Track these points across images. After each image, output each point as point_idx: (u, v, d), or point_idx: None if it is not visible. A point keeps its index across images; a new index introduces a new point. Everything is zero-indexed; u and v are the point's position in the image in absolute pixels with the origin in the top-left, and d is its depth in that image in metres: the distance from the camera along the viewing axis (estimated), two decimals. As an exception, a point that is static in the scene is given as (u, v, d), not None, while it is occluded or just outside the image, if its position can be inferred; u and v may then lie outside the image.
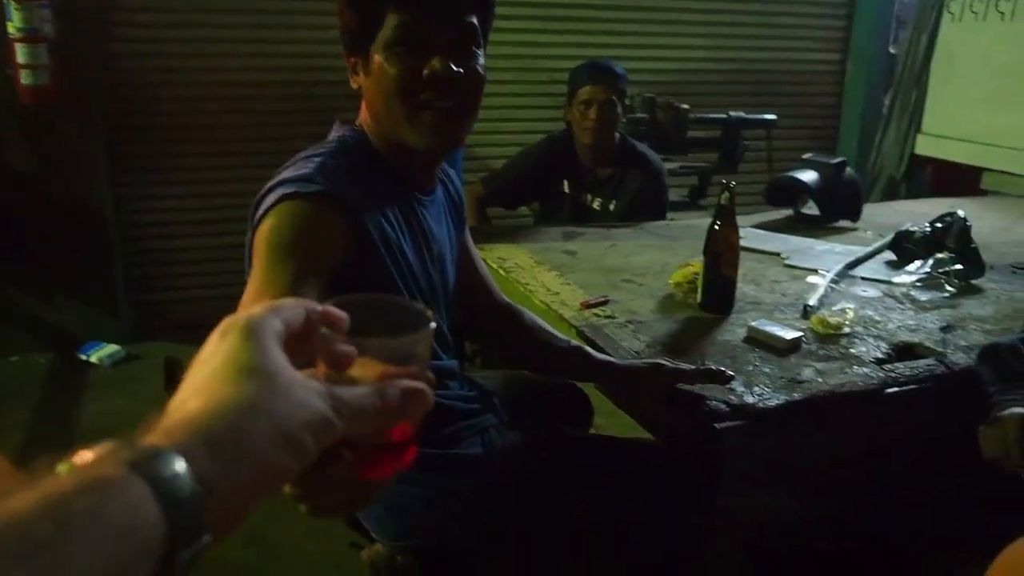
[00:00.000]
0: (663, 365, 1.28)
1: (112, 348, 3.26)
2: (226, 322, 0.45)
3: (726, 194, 1.60)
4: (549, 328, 1.44)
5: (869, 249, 2.09)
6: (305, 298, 0.52)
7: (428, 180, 1.22)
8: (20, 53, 2.93)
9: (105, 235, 3.36)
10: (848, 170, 2.49)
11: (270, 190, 1.05)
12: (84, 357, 3.21)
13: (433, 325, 0.52)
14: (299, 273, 0.95)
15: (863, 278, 1.92)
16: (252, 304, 0.89)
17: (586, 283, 1.86)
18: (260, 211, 1.03)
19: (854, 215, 2.49)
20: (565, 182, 2.53)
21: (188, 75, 3.41)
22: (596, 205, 2.51)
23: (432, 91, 1.08)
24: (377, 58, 1.08)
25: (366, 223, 1.05)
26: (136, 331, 3.46)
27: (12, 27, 2.90)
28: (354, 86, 1.16)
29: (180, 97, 3.42)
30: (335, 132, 1.19)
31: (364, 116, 1.17)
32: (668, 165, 3.25)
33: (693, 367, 1.30)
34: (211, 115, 3.47)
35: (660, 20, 4.07)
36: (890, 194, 3.74)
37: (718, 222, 1.61)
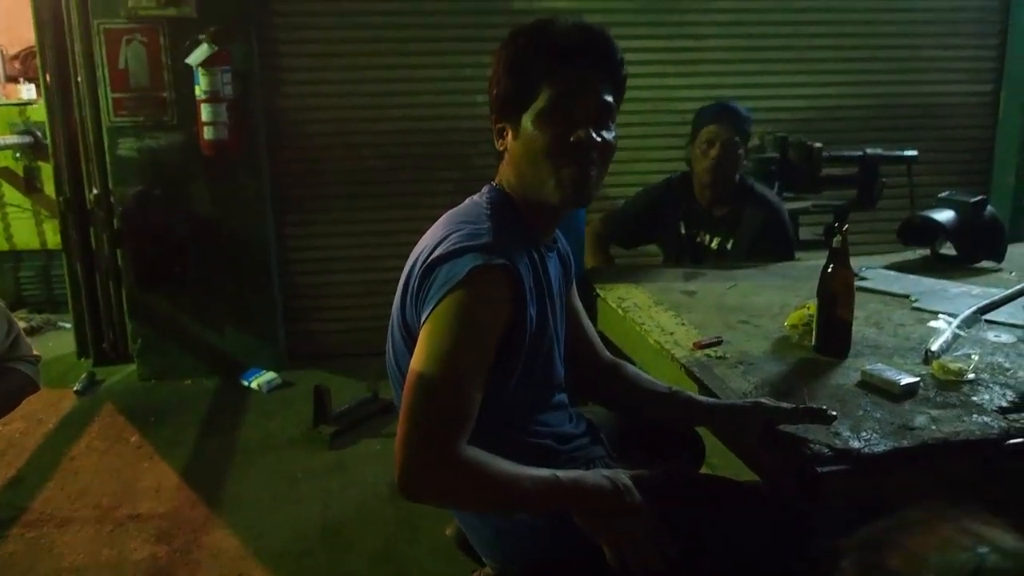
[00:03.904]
0: (763, 404, 1.32)
1: (270, 375, 3.58)
2: None
3: (838, 237, 1.61)
4: (649, 377, 1.52)
5: (1007, 292, 2.00)
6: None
7: (551, 233, 1.37)
8: (204, 112, 3.35)
9: (268, 270, 3.73)
10: (989, 208, 2.39)
11: (452, 253, 1.16)
12: (246, 383, 3.56)
13: None
14: (484, 341, 1.14)
15: (997, 322, 1.85)
16: (448, 362, 1.08)
17: (702, 323, 1.90)
18: (447, 281, 1.14)
19: (997, 255, 2.38)
20: (682, 223, 2.58)
21: (341, 126, 3.77)
22: (714, 244, 2.54)
23: (576, 155, 1.23)
24: (529, 125, 1.24)
25: (524, 287, 1.20)
26: (292, 359, 3.80)
27: (199, 90, 3.33)
28: (499, 147, 1.31)
29: (333, 145, 3.78)
30: (486, 193, 1.32)
31: (506, 175, 1.31)
32: (800, 204, 3.22)
33: (793, 406, 1.32)
34: (360, 161, 3.81)
35: (792, 59, 4.04)
36: (1051, 232, 3.50)
37: (831, 264, 1.62)
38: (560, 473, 1.16)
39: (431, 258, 1.18)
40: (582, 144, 1.22)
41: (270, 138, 3.67)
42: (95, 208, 3.60)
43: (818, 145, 3.14)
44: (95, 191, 3.56)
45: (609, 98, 1.26)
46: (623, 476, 1.19)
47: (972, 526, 0.80)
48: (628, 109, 3.90)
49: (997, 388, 1.49)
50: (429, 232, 1.29)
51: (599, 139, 1.24)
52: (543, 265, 1.30)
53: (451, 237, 1.20)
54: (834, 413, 1.30)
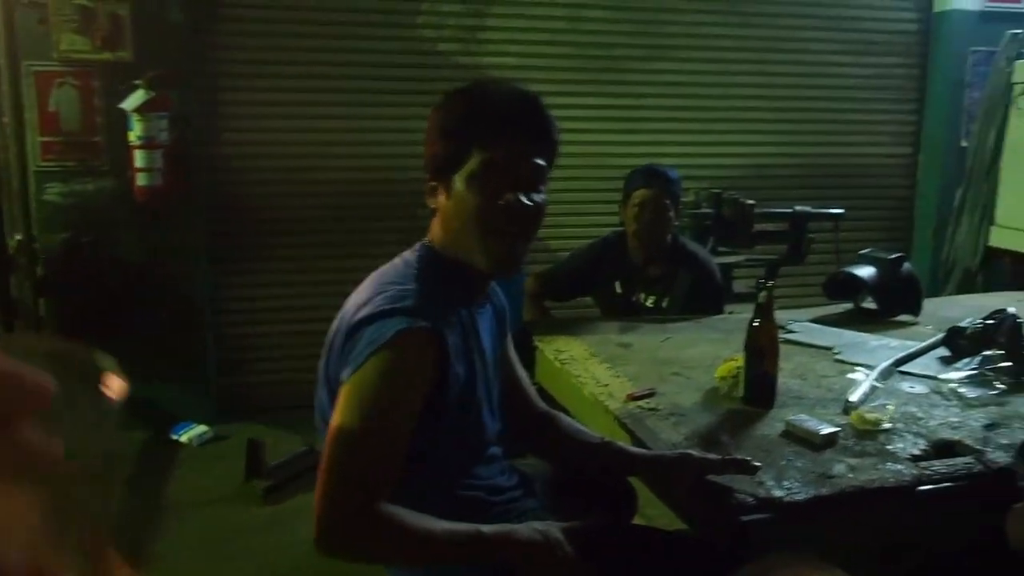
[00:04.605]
0: (691, 455, 1.35)
1: (201, 428, 3.48)
2: None
3: (763, 292, 1.67)
4: (582, 428, 1.54)
5: (921, 345, 2.10)
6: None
7: (484, 292, 1.40)
8: (138, 158, 3.28)
9: (200, 320, 3.65)
10: (906, 264, 2.51)
11: (377, 315, 1.19)
12: (176, 437, 3.45)
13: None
14: (414, 399, 1.16)
15: (912, 374, 1.93)
16: (370, 419, 1.10)
17: (636, 375, 1.94)
18: (372, 341, 1.16)
19: (914, 309, 2.49)
20: (617, 283, 2.64)
21: (283, 174, 3.76)
22: (649, 303, 2.60)
23: (505, 219, 1.25)
24: (460, 186, 1.26)
25: (450, 347, 1.22)
26: (225, 412, 3.70)
27: (133, 135, 3.27)
28: (431, 206, 1.34)
29: (275, 194, 3.76)
30: (415, 252, 1.35)
31: (437, 233, 1.34)
32: (734, 258, 3.33)
33: (719, 457, 1.36)
34: (302, 211, 3.79)
35: (728, 119, 4.21)
36: (966, 287, 3.68)
37: (757, 319, 1.68)
38: (486, 528, 1.17)
39: (356, 318, 1.21)
40: (511, 208, 1.25)
41: (209, 185, 3.62)
42: (17, 254, 3.48)
43: (751, 202, 3.27)
44: (18, 237, 3.44)
45: (541, 161, 1.29)
46: (555, 529, 1.21)
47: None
48: (569, 163, 4.04)
49: (910, 436, 1.55)
50: (356, 291, 1.31)
51: (529, 203, 1.26)
52: (473, 323, 1.33)
53: (376, 299, 1.22)
54: (757, 464, 1.34)
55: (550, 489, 1.57)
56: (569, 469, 1.61)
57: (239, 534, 2.70)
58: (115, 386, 0.39)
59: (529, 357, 2.15)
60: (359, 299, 1.25)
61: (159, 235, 3.50)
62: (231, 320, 3.80)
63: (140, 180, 3.31)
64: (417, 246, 1.35)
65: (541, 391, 1.81)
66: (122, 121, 3.30)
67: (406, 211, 3.78)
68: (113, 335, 3.42)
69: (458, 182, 1.26)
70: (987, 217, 3.57)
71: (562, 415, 1.59)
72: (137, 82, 3.26)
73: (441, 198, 1.30)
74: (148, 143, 3.28)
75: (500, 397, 1.44)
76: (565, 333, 2.33)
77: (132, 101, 3.25)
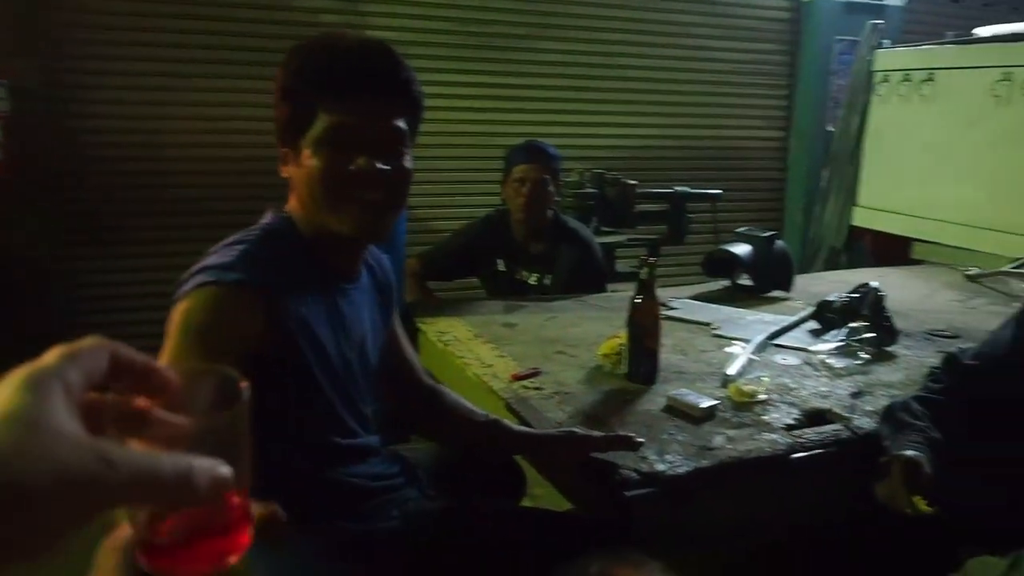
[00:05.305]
0: (575, 433, 1.34)
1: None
2: (18, 371, 0.41)
3: (645, 269, 1.68)
4: (469, 405, 1.48)
5: (793, 319, 2.18)
6: None
7: (352, 267, 1.27)
8: (-27, 130, 3.00)
9: (50, 305, 3.34)
10: (779, 242, 2.61)
11: (191, 275, 1.10)
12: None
13: (247, 396, 0.47)
14: (206, 359, 0.98)
15: (785, 346, 2.00)
16: None
17: (521, 355, 1.92)
18: (177, 293, 1.08)
19: (786, 285, 2.59)
20: (500, 261, 2.62)
21: (147, 151, 3.48)
22: (532, 280, 2.60)
23: (358, 186, 1.14)
24: (307, 152, 1.14)
25: (284, 311, 1.10)
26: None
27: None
28: (284, 175, 1.22)
29: (138, 172, 3.48)
30: (265, 219, 1.24)
31: (292, 204, 1.22)
32: (616, 238, 3.37)
33: (603, 434, 1.35)
34: (163, 190, 3.52)
35: (610, 100, 4.25)
36: (832, 264, 3.88)
37: (639, 296, 1.68)
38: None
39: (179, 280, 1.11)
40: (363, 175, 1.13)
41: (60, 162, 3.33)
42: None
43: (633, 182, 3.31)
44: None
45: (400, 123, 1.17)
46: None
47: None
48: (451, 143, 3.96)
49: (784, 407, 1.60)
50: None
51: (386, 168, 1.15)
52: (334, 299, 1.22)
53: (202, 260, 1.12)
54: (641, 439, 1.34)
55: (438, 472, 1.52)
56: (456, 447, 1.57)
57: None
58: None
59: (412, 339, 2.09)
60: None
61: (3, 214, 3.19)
62: (89, 308, 3.50)
63: (-23, 154, 3.02)
64: (269, 214, 1.24)
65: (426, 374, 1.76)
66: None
67: (282, 190, 3.60)
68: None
69: (305, 147, 1.15)
70: (850, 198, 3.77)
71: (447, 390, 1.53)
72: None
73: (292, 166, 1.19)
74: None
75: (382, 375, 1.37)
76: (448, 314, 2.29)
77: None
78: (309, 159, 1.14)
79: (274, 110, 1.19)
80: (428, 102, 1.26)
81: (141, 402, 0.44)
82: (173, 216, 3.55)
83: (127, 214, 3.50)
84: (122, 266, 3.54)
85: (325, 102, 1.13)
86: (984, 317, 2.35)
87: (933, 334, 2.12)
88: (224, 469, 0.42)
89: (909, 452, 1.29)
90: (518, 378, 1.74)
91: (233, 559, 0.46)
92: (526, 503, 1.75)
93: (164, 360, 1.00)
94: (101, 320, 3.50)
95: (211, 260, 1.11)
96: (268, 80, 1.25)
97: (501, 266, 2.63)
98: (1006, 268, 2.68)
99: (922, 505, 1.23)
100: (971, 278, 2.76)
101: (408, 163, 1.20)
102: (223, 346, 1.02)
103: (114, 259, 3.52)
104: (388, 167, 1.15)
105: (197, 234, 3.46)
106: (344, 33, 1.20)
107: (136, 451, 0.41)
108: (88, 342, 0.43)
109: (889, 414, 1.43)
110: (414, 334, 2.14)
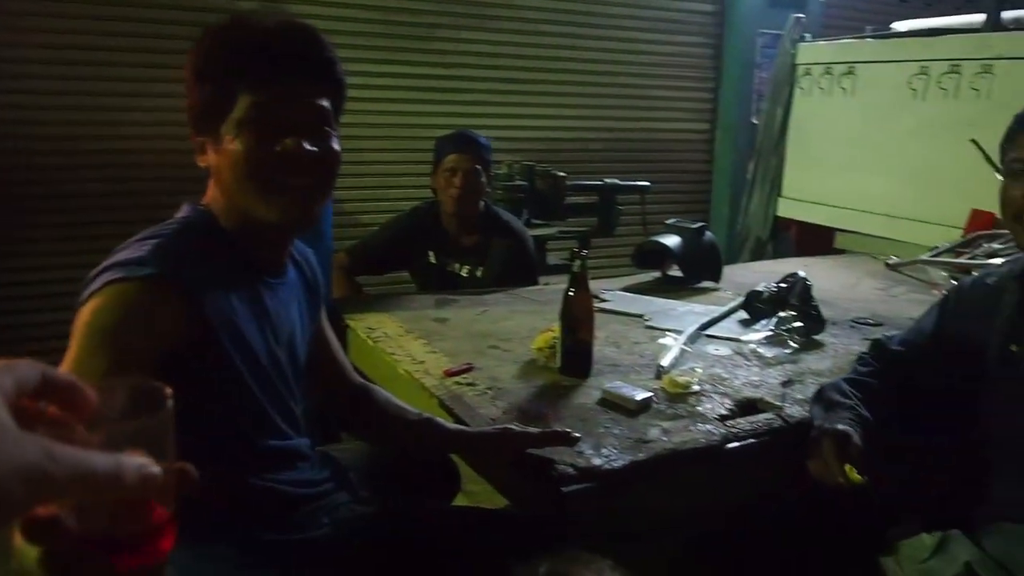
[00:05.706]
0: (510, 430, 1.31)
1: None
2: None
3: (578, 262, 1.66)
4: (401, 403, 1.44)
5: (724, 309, 2.20)
6: None
7: (277, 261, 1.21)
8: None
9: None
10: (708, 234, 2.63)
11: (99, 273, 1.02)
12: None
13: (171, 403, 0.50)
14: (117, 360, 0.92)
15: (716, 337, 2.02)
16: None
17: (453, 351, 1.88)
18: (84, 293, 1.01)
19: (715, 276, 2.61)
20: (431, 253, 2.57)
21: (59, 144, 3.29)
22: (464, 272, 2.56)
23: (286, 170, 1.08)
24: (228, 137, 1.08)
25: (204, 307, 1.03)
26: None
27: None
28: (202, 164, 1.14)
29: (47, 166, 3.29)
30: (181, 212, 1.16)
31: (212, 195, 1.15)
32: (547, 231, 3.36)
33: (539, 430, 1.32)
34: (74, 184, 3.34)
35: (540, 92, 4.24)
36: (758, 255, 3.95)
37: (572, 289, 1.66)
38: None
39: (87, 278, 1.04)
40: (290, 155, 1.08)
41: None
42: None
43: (563, 174, 3.30)
44: None
45: (324, 102, 1.12)
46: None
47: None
48: (379, 135, 3.87)
49: (717, 397, 1.61)
50: None
51: (314, 149, 1.10)
52: (259, 294, 1.15)
53: (111, 256, 1.05)
54: (577, 435, 1.32)
55: (367, 473, 1.46)
56: (388, 446, 1.52)
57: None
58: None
59: (340, 337, 2.02)
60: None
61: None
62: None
63: None
64: (186, 207, 1.16)
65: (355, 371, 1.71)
66: None
67: (198, 184, 3.46)
68: None
69: (226, 133, 1.08)
70: (775, 189, 3.85)
71: (378, 388, 1.48)
72: None
73: (210, 154, 1.11)
74: None
75: (309, 374, 1.31)
76: (377, 309, 2.23)
77: None
78: (231, 143, 1.07)
79: (187, 96, 1.12)
80: (353, 92, 1.21)
81: (66, 416, 0.47)
82: (80, 212, 3.36)
83: (29, 211, 3.30)
84: (26, 265, 3.34)
85: (246, 82, 1.06)
86: (905, 305, 2.42)
87: (858, 322, 2.17)
88: (153, 468, 0.46)
89: (840, 426, 1.30)
90: (451, 374, 1.70)
91: (156, 560, 0.49)
92: (461, 500, 1.72)
93: (70, 364, 0.92)
94: (2, 323, 3.30)
95: (121, 256, 1.04)
96: (175, 68, 1.17)
97: (432, 258, 2.58)
98: (924, 256, 2.77)
99: (853, 475, 1.23)
100: (892, 267, 2.84)
101: (336, 145, 1.14)
102: (136, 345, 0.95)
103: (16, 257, 3.32)
104: (316, 148, 1.10)
105: (106, 230, 3.30)
106: (259, 10, 1.12)
107: (71, 448, 0.43)
108: (23, 360, 0.47)
109: (820, 395, 1.45)
110: (342, 331, 2.08)
